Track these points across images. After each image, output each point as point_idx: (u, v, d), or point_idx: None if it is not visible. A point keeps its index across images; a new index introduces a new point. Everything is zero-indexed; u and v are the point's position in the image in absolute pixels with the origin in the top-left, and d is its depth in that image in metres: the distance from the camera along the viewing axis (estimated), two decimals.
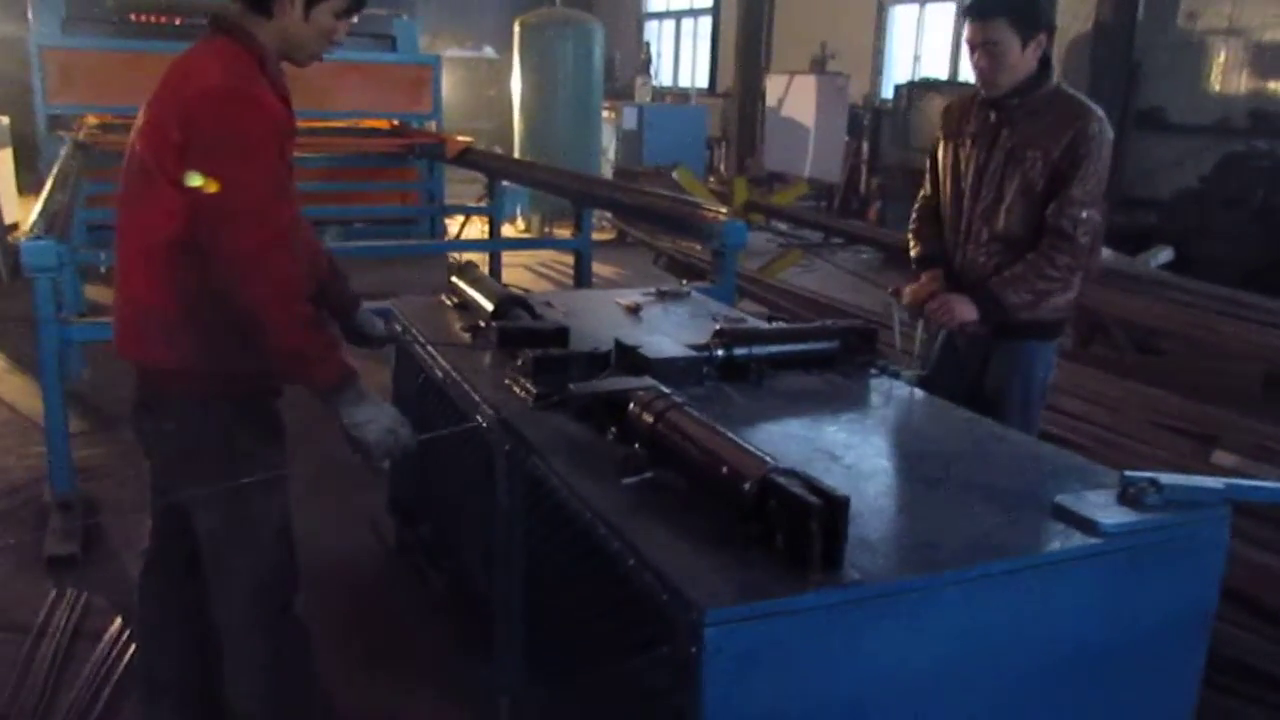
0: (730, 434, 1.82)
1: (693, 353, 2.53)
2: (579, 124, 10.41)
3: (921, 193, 3.18)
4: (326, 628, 2.30)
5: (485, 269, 8.08)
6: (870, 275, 9.50)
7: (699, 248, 6.04)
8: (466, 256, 8.23)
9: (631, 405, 2.01)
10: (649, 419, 1.94)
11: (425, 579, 3.27)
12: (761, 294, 6.40)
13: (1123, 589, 1.77)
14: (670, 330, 3.09)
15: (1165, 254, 7.22)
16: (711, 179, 12.70)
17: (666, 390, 2.02)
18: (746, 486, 1.63)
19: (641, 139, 12.03)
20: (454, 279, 3.23)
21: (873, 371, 2.71)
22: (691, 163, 11.63)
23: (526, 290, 8.49)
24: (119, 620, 2.98)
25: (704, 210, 4.63)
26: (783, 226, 10.79)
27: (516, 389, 2.39)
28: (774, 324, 3.24)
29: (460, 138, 8.21)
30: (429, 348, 2.80)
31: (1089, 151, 2.75)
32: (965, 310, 2.82)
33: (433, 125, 9.58)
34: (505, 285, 3.46)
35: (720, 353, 2.57)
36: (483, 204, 8.92)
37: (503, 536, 2.33)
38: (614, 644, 1.82)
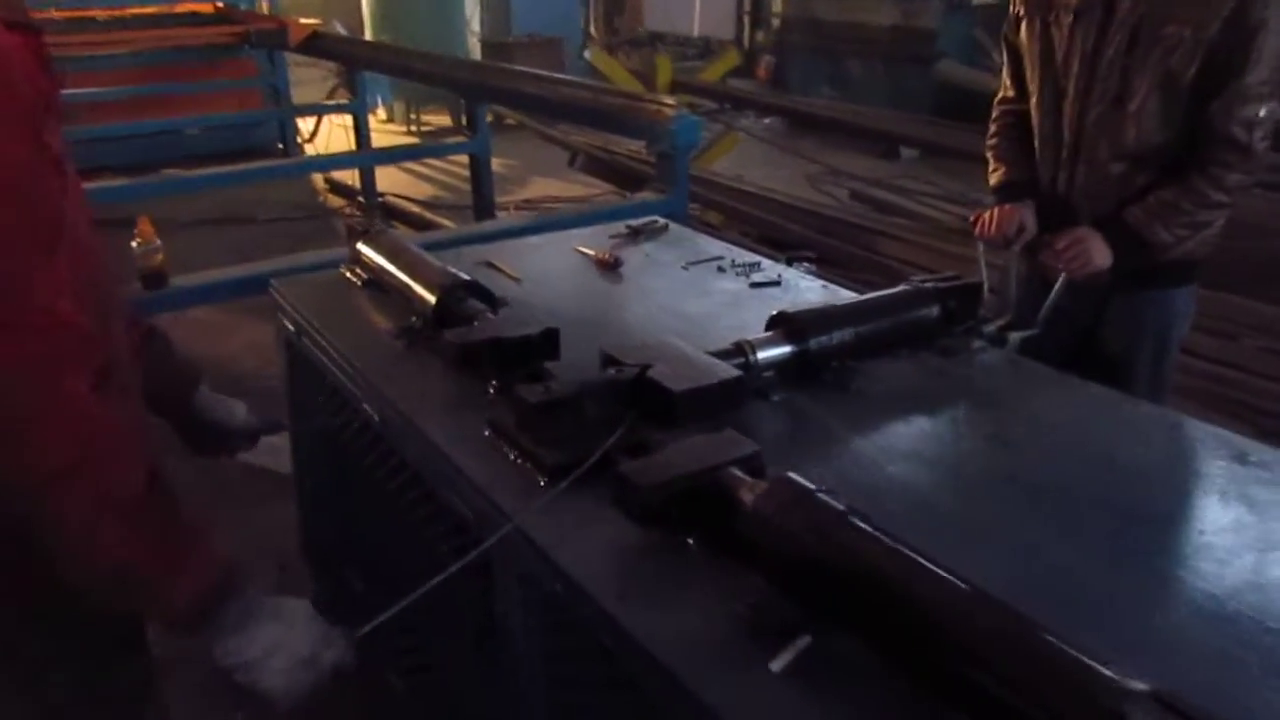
0: (970, 583, 1.03)
1: (742, 359, 1.72)
2: None
3: (1000, 94, 2.37)
4: None
5: (354, 178, 6.91)
6: (780, 143, 8.75)
7: (639, 148, 5.05)
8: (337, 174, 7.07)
9: (743, 509, 1.21)
10: (792, 546, 1.14)
11: (366, 662, 2.43)
12: (698, 191, 5.50)
13: None
14: (672, 292, 2.27)
15: None
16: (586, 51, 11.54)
17: (804, 481, 1.21)
18: None
19: (509, 4, 10.67)
20: (360, 246, 2.29)
21: (977, 343, 1.97)
22: (568, 29, 10.44)
23: (407, 199, 7.37)
24: None
25: (645, 104, 3.70)
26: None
27: (510, 452, 1.55)
28: (801, 264, 2.45)
29: (304, 20, 6.87)
30: (347, 370, 1.91)
31: (1263, 21, 1.97)
32: (1103, 254, 2.07)
33: (264, 6, 8.14)
34: (424, 227, 2.54)
35: (790, 349, 1.77)
36: (339, 100, 7.60)
37: (520, 680, 1.53)
38: None
